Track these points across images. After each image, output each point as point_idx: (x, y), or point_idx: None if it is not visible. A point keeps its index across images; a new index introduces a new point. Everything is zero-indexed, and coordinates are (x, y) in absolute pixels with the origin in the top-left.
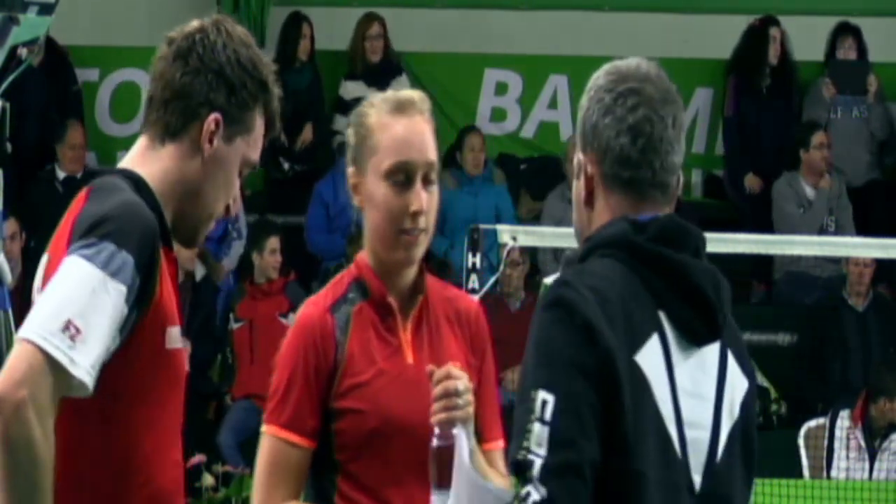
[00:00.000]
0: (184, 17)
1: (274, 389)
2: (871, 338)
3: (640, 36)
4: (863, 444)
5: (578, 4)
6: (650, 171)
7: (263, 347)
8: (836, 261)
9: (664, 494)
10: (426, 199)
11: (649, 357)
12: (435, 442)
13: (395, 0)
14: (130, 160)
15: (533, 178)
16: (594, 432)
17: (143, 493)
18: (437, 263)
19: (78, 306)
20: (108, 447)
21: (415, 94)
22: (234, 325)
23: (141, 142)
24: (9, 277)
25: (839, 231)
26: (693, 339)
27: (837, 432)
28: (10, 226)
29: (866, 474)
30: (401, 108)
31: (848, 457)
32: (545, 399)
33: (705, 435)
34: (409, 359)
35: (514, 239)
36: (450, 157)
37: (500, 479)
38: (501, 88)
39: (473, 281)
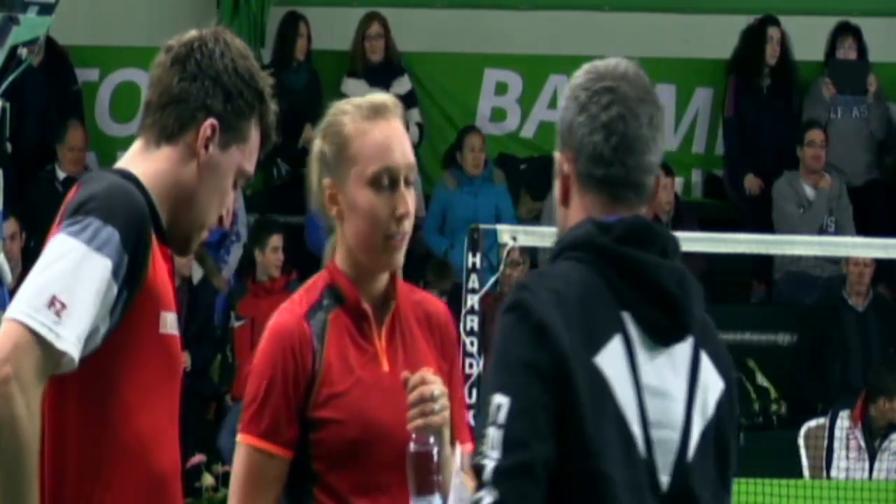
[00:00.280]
0: (184, 18)
1: (251, 398)
2: (871, 338)
3: (640, 36)
4: (862, 444)
5: (578, 4)
6: (623, 169)
7: None
8: (836, 261)
9: (630, 495)
10: (410, 202)
11: (610, 358)
12: (412, 447)
13: (395, 0)
14: (125, 162)
15: (533, 178)
16: (548, 433)
17: (138, 474)
18: (437, 263)
19: (62, 281)
20: (102, 428)
21: (386, 97)
22: (236, 324)
23: (136, 145)
24: (9, 277)
25: (839, 231)
26: (660, 338)
27: (837, 432)
28: (10, 226)
29: (866, 474)
30: (376, 112)
31: (848, 457)
32: (500, 403)
33: (674, 434)
34: (385, 366)
35: (514, 239)
36: (450, 157)
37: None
38: (501, 88)
39: (473, 281)
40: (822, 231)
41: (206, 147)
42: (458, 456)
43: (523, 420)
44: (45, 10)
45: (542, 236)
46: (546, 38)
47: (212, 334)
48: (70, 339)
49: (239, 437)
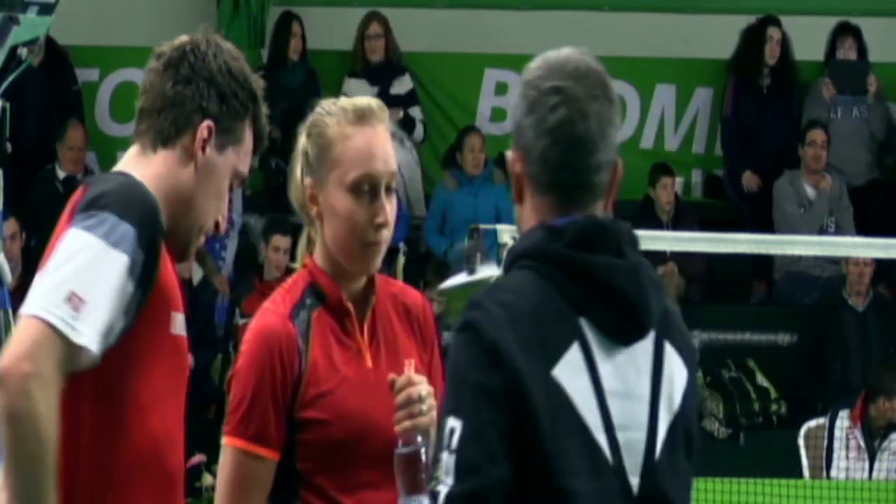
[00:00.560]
0: (184, 18)
1: (238, 401)
2: (871, 338)
3: (640, 36)
4: (862, 444)
5: (578, 4)
6: (571, 172)
7: None
8: (836, 261)
9: None
10: (389, 210)
11: (568, 369)
12: (400, 449)
13: (395, 0)
14: (123, 167)
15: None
16: (502, 455)
17: (152, 475)
18: (437, 263)
19: (80, 277)
20: (115, 429)
21: (372, 102)
22: (241, 321)
23: (132, 150)
24: (9, 277)
25: (839, 232)
26: (619, 339)
27: (837, 432)
28: (10, 226)
29: (866, 474)
30: (361, 117)
31: (848, 457)
32: (453, 427)
33: (641, 435)
34: (369, 362)
35: (514, 239)
36: (450, 157)
37: None
38: (501, 88)
39: None
40: (822, 231)
41: (203, 149)
42: None
43: (476, 444)
44: (45, 10)
45: None
46: (546, 38)
47: (212, 335)
48: (89, 334)
49: (225, 440)
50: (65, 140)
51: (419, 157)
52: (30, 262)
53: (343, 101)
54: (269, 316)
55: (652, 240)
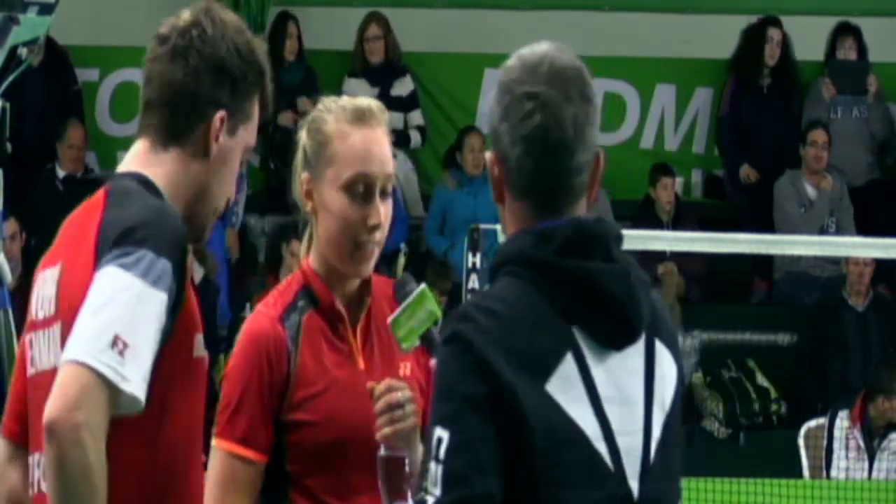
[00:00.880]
0: None
1: (226, 403)
2: (871, 338)
3: (640, 36)
4: (862, 444)
5: (578, 4)
6: (548, 177)
7: None
8: (836, 261)
9: None
10: (384, 213)
11: (562, 381)
12: (382, 452)
13: (395, 0)
14: (133, 164)
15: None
16: (492, 467)
17: (179, 499)
18: (437, 263)
19: (123, 320)
20: (150, 463)
21: (373, 103)
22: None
23: (140, 145)
24: (9, 277)
25: (840, 232)
26: (612, 345)
27: (836, 432)
28: (10, 226)
29: (865, 474)
30: (360, 117)
31: (847, 457)
32: (440, 436)
33: (638, 439)
34: (361, 365)
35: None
36: (450, 157)
37: None
38: None
39: (473, 281)
40: (823, 231)
41: (217, 139)
42: None
43: (464, 455)
44: (45, 10)
45: None
46: (546, 38)
47: (214, 335)
48: (136, 381)
49: (214, 442)
50: (65, 139)
51: (416, 159)
52: (30, 261)
53: (344, 100)
54: (259, 318)
55: (652, 240)
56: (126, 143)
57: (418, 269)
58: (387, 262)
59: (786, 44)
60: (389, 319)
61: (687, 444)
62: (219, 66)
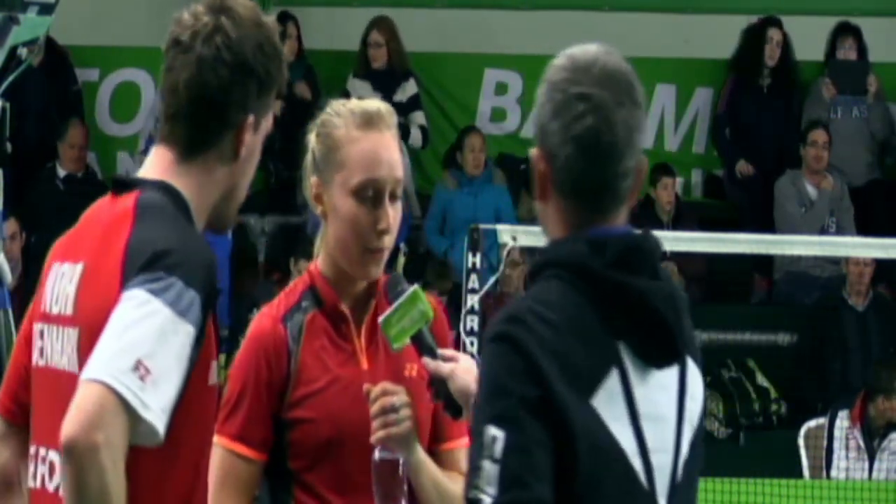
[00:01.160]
0: None
1: (226, 401)
2: (871, 338)
3: (640, 36)
4: (861, 444)
5: (578, 4)
6: (597, 179)
7: None
8: (836, 261)
9: None
10: (393, 217)
11: (607, 397)
12: (377, 455)
13: (395, 0)
14: (159, 171)
15: (533, 178)
16: (545, 471)
17: None
18: (437, 263)
19: (147, 346)
20: (162, 487)
21: (382, 107)
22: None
23: (165, 154)
24: (9, 277)
25: (840, 232)
26: (654, 364)
27: (836, 432)
28: (10, 226)
29: (866, 474)
30: (369, 122)
31: (847, 457)
32: (495, 435)
33: (669, 456)
34: (364, 364)
35: (514, 239)
36: (450, 157)
37: (455, 484)
38: (501, 88)
39: (473, 281)
40: (823, 231)
41: (244, 141)
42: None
43: (521, 457)
44: (45, 10)
45: (542, 236)
46: (546, 38)
47: (216, 335)
48: (156, 410)
49: (214, 438)
50: (66, 138)
51: (415, 158)
52: (30, 261)
53: (352, 104)
54: (262, 319)
55: None
56: (126, 143)
57: (418, 269)
58: (387, 262)
59: (786, 44)
60: (380, 319)
61: None
62: (247, 71)
